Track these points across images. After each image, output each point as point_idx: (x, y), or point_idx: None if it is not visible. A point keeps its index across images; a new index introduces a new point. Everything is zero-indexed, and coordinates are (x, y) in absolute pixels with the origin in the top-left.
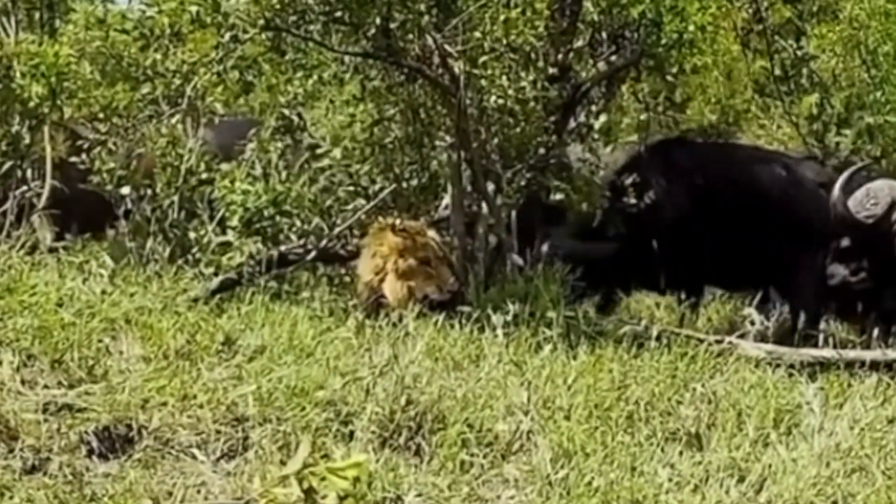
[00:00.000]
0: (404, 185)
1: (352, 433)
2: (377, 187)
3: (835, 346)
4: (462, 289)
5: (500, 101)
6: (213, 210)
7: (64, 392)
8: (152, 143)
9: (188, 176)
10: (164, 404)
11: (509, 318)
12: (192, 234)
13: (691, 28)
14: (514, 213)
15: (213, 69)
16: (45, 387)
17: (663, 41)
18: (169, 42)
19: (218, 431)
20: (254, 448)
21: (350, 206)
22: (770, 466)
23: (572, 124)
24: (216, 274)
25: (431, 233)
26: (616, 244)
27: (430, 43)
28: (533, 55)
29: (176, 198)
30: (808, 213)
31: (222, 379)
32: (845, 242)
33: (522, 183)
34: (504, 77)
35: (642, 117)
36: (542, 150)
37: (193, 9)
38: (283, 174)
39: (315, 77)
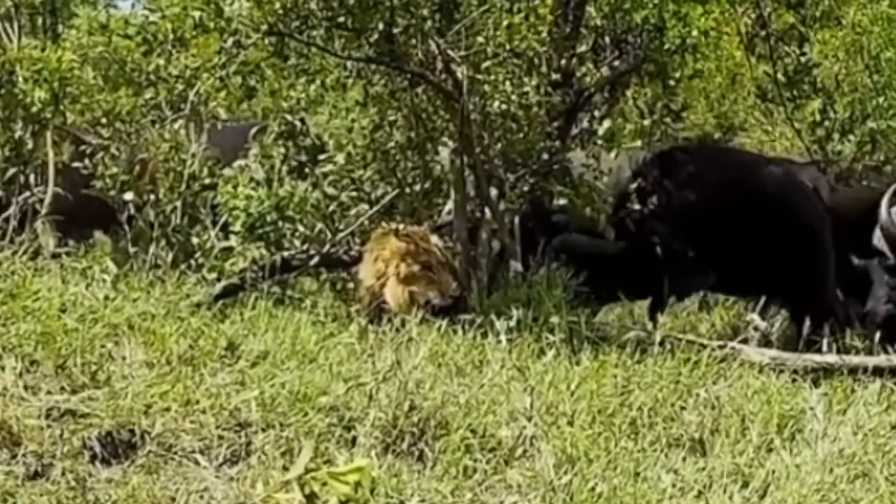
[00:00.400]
0: (407, 190)
1: (355, 439)
2: (380, 192)
3: (839, 352)
4: (464, 294)
5: (504, 107)
6: (216, 215)
7: (67, 397)
8: (155, 148)
9: (191, 181)
10: (167, 410)
11: (512, 323)
12: (194, 240)
13: (694, 33)
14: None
15: (215, 74)
16: (48, 392)
17: (666, 46)
18: (172, 47)
19: (221, 437)
20: (257, 453)
21: (353, 212)
22: (773, 472)
23: (575, 130)
24: (219, 279)
25: (434, 238)
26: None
27: (433, 48)
28: (536, 60)
29: (179, 203)
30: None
31: (225, 384)
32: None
33: (525, 188)
34: (507, 82)
35: (645, 122)
36: (545, 156)
37: (196, 14)
38: (286, 179)
39: (318, 82)
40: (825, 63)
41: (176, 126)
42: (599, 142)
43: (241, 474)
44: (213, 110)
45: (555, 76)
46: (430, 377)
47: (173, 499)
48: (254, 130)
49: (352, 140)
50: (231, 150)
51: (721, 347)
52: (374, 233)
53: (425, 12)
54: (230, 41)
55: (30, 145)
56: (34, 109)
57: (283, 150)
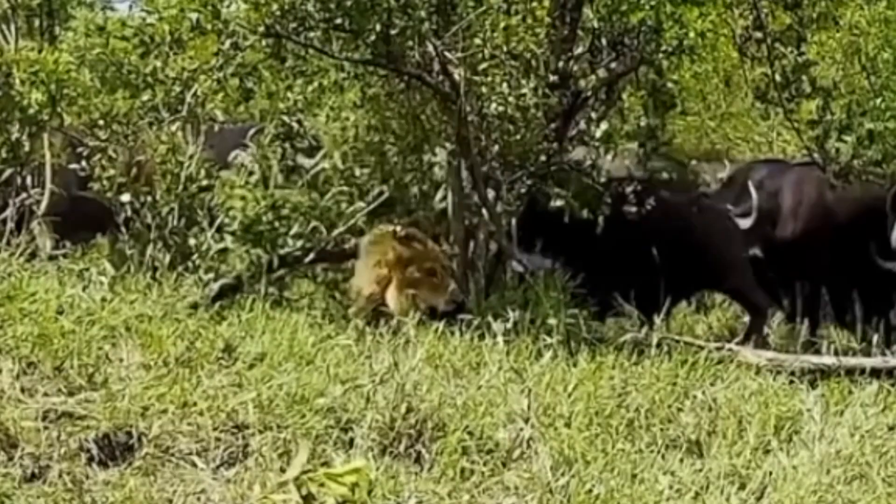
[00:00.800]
0: (404, 191)
1: (352, 440)
2: (376, 191)
3: (836, 354)
4: (463, 297)
5: (501, 108)
6: (213, 217)
7: (64, 399)
8: (152, 150)
9: (188, 183)
10: (164, 412)
11: (509, 325)
12: (191, 241)
13: (691, 35)
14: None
15: (213, 76)
16: (45, 394)
17: (663, 48)
18: (169, 49)
19: (218, 439)
20: (254, 455)
21: (349, 210)
22: (771, 474)
23: (573, 131)
24: (216, 280)
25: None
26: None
27: (430, 50)
28: (533, 62)
29: (176, 205)
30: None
31: (222, 386)
32: None
33: (523, 190)
34: (504, 84)
35: (642, 124)
36: (542, 157)
37: (194, 16)
38: (281, 180)
39: (315, 84)
40: (822, 64)
41: (173, 128)
42: (596, 143)
43: (238, 476)
44: (211, 112)
45: (552, 78)
46: (427, 379)
47: (170, 501)
48: (252, 132)
49: (347, 139)
50: (229, 152)
51: (718, 349)
52: (371, 235)
53: (422, 14)
54: (227, 43)
55: (27, 147)
56: (31, 111)
57: (279, 150)
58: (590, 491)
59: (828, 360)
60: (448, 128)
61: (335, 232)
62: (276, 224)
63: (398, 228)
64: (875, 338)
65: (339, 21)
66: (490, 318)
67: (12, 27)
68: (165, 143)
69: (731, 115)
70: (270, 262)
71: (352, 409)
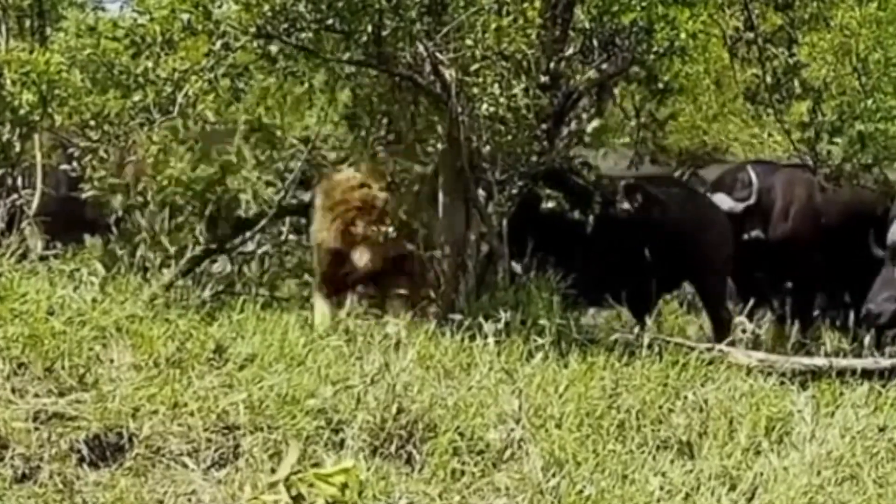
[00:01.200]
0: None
1: (343, 441)
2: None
3: (826, 355)
4: (453, 295)
5: (492, 109)
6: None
7: (55, 400)
8: (144, 150)
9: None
10: (155, 412)
11: (501, 326)
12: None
13: (682, 36)
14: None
15: (204, 77)
16: (36, 395)
17: (654, 49)
18: (160, 49)
19: (209, 439)
20: (244, 456)
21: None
22: (761, 475)
23: (564, 132)
24: (181, 256)
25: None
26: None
27: (421, 51)
28: (524, 63)
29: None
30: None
31: (213, 387)
32: None
33: (514, 191)
34: (496, 85)
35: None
36: (533, 158)
37: (185, 16)
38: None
39: (306, 85)
40: (813, 65)
41: (164, 129)
42: (587, 144)
43: (228, 477)
44: (202, 113)
45: (543, 79)
46: (418, 380)
47: (161, 501)
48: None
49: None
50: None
51: (709, 350)
52: (325, 180)
53: (414, 15)
54: (219, 44)
55: (17, 148)
56: (22, 112)
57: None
58: (580, 492)
59: (819, 361)
60: (439, 128)
61: (287, 182)
62: (228, 184)
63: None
64: (866, 339)
65: (330, 22)
66: (481, 319)
67: (3, 28)
68: (157, 144)
69: (722, 117)
70: (231, 229)
71: (342, 410)
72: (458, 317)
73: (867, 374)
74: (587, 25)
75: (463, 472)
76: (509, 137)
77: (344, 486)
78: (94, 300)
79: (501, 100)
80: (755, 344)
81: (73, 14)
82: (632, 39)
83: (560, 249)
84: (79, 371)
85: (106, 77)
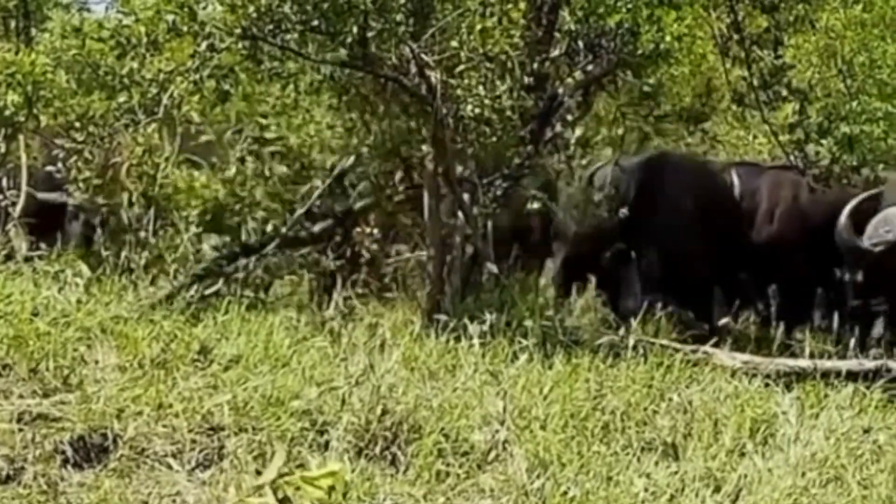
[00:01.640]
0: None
1: (327, 443)
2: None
3: (811, 356)
4: (438, 296)
5: (477, 111)
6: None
7: (39, 401)
8: (129, 152)
9: (164, 184)
10: (140, 413)
11: (485, 327)
12: (162, 242)
13: (668, 38)
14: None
15: (189, 78)
16: (20, 396)
17: (640, 51)
18: (145, 51)
19: (193, 441)
20: (229, 457)
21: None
22: (746, 476)
23: (549, 134)
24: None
25: None
26: None
27: (406, 52)
28: (509, 64)
29: (152, 206)
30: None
31: (198, 388)
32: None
33: (499, 192)
34: (480, 86)
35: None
36: (518, 160)
37: (170, 17)
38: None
39: (292, 86)
40: (799, 67)
41: (149, 130)
42: (572, 146)
43: (213, 478)
44: (187, 114)
45: (528, 80)
46: (402, 381)
47: (145, 503)
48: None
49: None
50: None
51: (693, 351)
52: None
53: (399, 17)
54: (204, 45)
55: (2, 149)
56: (7, 113)
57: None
58: (565, 493)
59: (803, 362)
60: (424, 130)
61: (297, 213)
62: (238, 208)
63: None
64: (851, 341)
65: (315, 23)
66: (466, 321)
67: None
68: (142, 145)
69: (708, 118)
70: (235, 251)
71: (327, 412)
72: (443, 318)
73: (852, 375)
74: (572, 27)
75: (448, 474)
76: (494, 139)
77: (331, 490)
78: (78, 301)
79: (486, 101)
80: (739, 346)
81: (58, 15)
82: (617, 41)
83: None
84: (63, 372)
85: (91, 78)
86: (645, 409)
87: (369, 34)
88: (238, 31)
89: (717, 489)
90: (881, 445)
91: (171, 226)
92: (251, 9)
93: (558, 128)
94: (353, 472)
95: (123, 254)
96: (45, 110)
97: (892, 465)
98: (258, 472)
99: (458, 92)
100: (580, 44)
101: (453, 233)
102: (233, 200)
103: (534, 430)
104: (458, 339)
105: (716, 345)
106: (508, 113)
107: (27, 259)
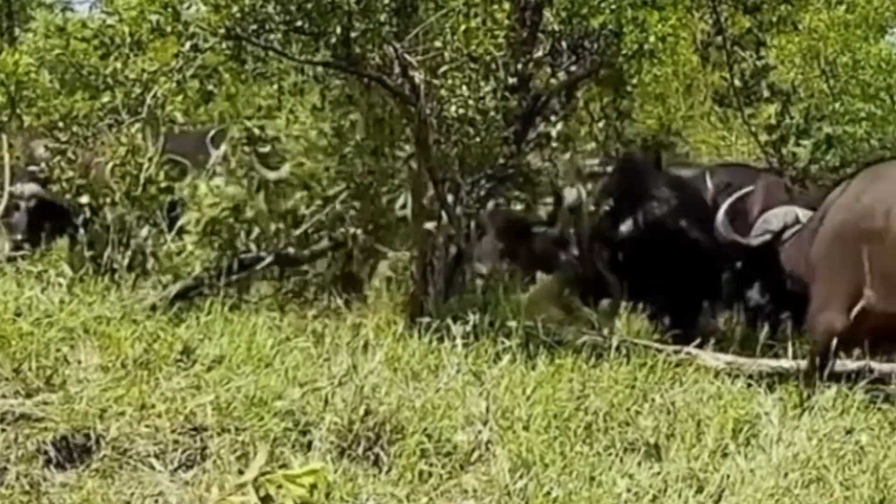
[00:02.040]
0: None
1: (310, 443)
2: (333, 191)
3: (794, 358)
4: (421, 297)
5: (461, 111)
6: (172, 219)
7: (21, 401)
8: (112, 151)
9: (147, 185)
10: (122, 414)
11: (468, 328)
12: (149, 242)
13: (651, 39)
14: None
15: (173, 78)
16: (3, 396)
17: (623, 52)
18: (129, 50)
19: (176, 441)
20: (212, 458)
21: (307, 211)
22: (728, 477)
23: (532, 134)
24: (174, 281)
25: None
26: None
27: (390, 52)
28: (493, 65)
29: (136, 207)
30: None
31: (180, 388)
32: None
33: (482, 193)
34: (464, 87)
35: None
36: (501, 160)
37: (154, 17)
38: (242, 181)
39: (275, 86)
40: (781, 68)
41: (133, 130)
42: (555, 146)
43: (196, 478)
44: (171, 114)
45: (512, 81)
46: (385, 382)
47: (128, 503)
48: (211, 134)
49: (308, 140)
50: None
51: (676, 352)
52: None
53: (383, 17)
54: (188, 45)
55: None
56: None
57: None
58: (548, 494)
59: (786, 363)
60: (408, 130)
61: (294, 234)
62: (236, 226)
63: None
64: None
65: (299, 23)
66: (449, 321)
67: None
68: (125, 145)
69: (691, 119)
70: (230, 265)
71: (310, 412)
72: (426, 319)
73: (834, 376)
74: (556, 28)
75: (430, 474)
76: (478, 139)
77: (313, 488)
78: (61, 301)
79: (470, 102)
80: (723, 346)
81: (41, 15)
82: (601, 42)
83: None
84: (46, 372)
85: (74, 78)
86: (628, 409)
87: (353, 34)
88: (222, 31)
89: (700, 489)
90: (863, 446)
91: (155, 226)
92: (235, 9)
93: (542, 128)
94: (335, 472)
95: (106, 254)
96: (28, 110)
97: (875, 465)
98: (241, 473)
99: (442, 92)
100: (564, 44)
101: (437, 233)
102: (233, 216)
103: (517, 430)
104: (441, 340)
105: (699, 346)
106: (492, 113)
107: (10, 259)
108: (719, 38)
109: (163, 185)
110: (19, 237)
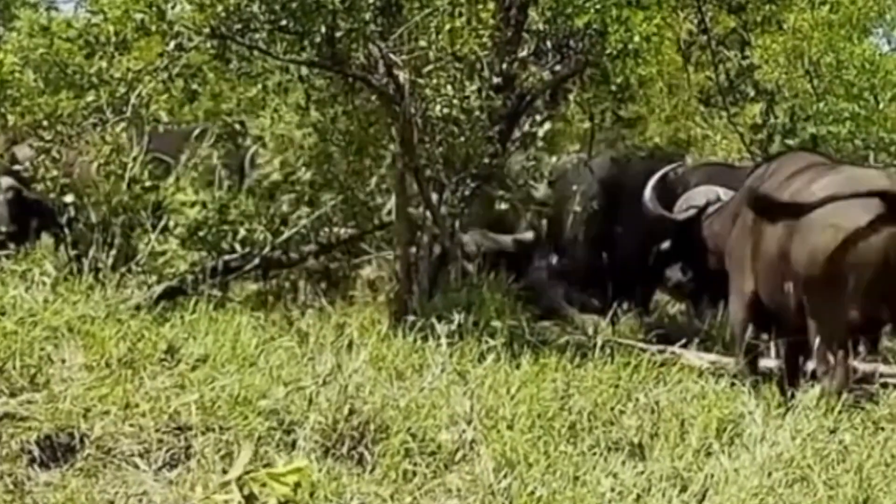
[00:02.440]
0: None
1: (294, 442)
2: (318, 190)
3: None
4: (405, 296)
5: (445, 111)
6: (157, 218)
7: (5, 401)
8: (97, 150)
9: (132, 184)
10: (107, 413)
11: (453, 327)
12: (134, 242)
13: (636, 38)
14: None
15: (158, 77)
16: None
17: (608, 51)
18: (114, 50)
19: (160, 440)
20: (196, 457)
21: (294, 215)
22: (712, 476)
23: (517, 134)
24: (159, 282)
25: None
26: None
27: (375, 52)
28: (478, 64)
29: (120, 206)
30: None
31: (165, 388)
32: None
33: (467, 192)
34: (449, 86)
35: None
36: (486, 160)
37: (139, 16)
38: (226, 183)
39: (260, 85)
40: (766, 67)
41: (117, 129)
42: (540, 145)
43: (180, 477)
44: (155, 113)
45: (496, 80)
46: (370, 381)
47: (112, 502)
48: (196, 132)
49: (293, 140)
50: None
51: (661, 352)
52: None
53: (367, 16)
54: (172, 44)
55: None
56: None
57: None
58: (532, 493)
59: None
60: (392, 130)
61: (280, 239)
62: (222, 228)
63: None
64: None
65: (283, 23)
66: (434, 320)
67: None
68: (109, 144)
69: (675, 119)
70: (214, 266)
71: (294, 411)
72: (410, 318)
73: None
74: (541, 27)
75: (415, 473)
76: (462, 139)
77: (297, 486)
78: (45, 300)
79: (455, 101)
80: (707, 346)
81: (26, 14)
82: (586, 41)
83: None
84: (30, 371)
85: (59, 77)
86: (612, 409)
87: (338, 34)
88: (206, 30)
89: (684, 489)
90: (847, 446)
91: (140, 225)
92: (220, 8)
93: (526, 127)
94: (319, 471)
95: (90, 253)
96: (12, 109)
97: (858, 465)
98: (225, 471)
99: (427, 92)
100: (548, 44)
101: (421, 232)
102: (219, 218)
103: (501, 429)
104: (425, 339)
105: (683, 345)
106: (477, 113)
107: None
108: (704, 38)
109: (147, 184)
110: (3, 229)
